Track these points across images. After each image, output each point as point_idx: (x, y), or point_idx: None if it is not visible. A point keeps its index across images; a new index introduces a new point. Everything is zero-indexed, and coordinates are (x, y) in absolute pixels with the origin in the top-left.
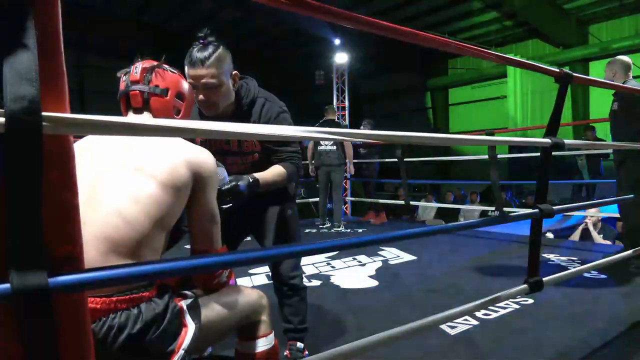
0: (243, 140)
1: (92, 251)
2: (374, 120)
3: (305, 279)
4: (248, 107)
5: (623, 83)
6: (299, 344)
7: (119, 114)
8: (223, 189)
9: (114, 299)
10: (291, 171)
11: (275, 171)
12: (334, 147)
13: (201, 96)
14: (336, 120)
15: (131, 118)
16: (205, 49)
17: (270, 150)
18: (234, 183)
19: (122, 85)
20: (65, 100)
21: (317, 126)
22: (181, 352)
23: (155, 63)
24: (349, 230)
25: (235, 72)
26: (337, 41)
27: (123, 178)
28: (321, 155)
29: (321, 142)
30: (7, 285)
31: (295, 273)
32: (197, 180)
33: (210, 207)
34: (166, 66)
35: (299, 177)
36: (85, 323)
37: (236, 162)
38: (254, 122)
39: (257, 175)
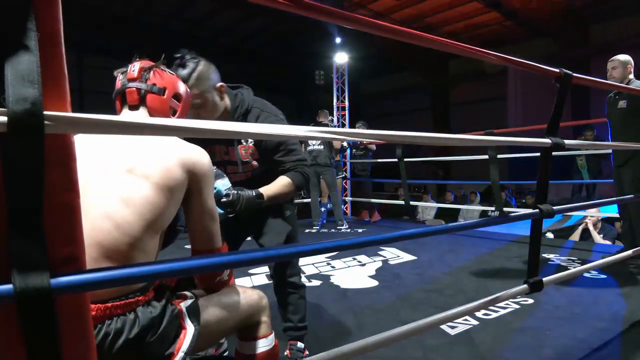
0: (241, 150)
1: None
2: (367, 121)
3: (305, 279)
4: (242, 118)
5: (628, 82)
6: (300, 344)
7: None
8: (223, 200)
9: (109, 304)
10: (298, 180)
11: (281, 182)
12: (322, 147)
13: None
14: (325, 122)
15: (127, 115)
16: (184, 68)
17: (272, 160)
18: (235, 194)
19: (118, 84)
20: (67, 101)
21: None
22: (181, 354)
23: (152, 63)
24: (349, 230)
25: (221, 84)
26: (337, 40)
27: (114, 180)
28: (310, 155)
29: (309, 142)
30: (9, 286)
31: (292, 271)
32: (192, 179)
33: (208, 205)
34: (164, 67)
35: (307, 183)
36: (88, 324)
37: (236, 170)
38: None
39: (262, 189)
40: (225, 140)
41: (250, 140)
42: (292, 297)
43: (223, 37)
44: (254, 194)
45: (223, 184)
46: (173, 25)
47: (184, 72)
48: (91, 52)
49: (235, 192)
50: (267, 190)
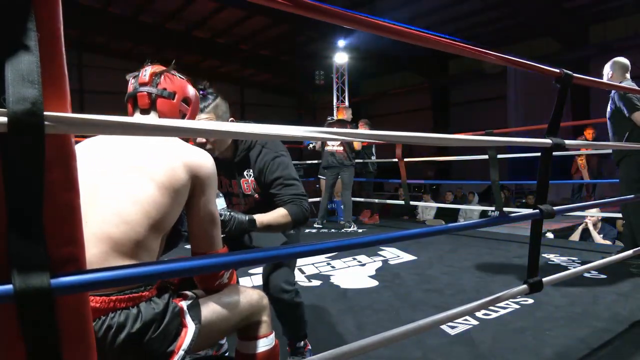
0: (243, 183)
1: (93, 250)
2: (370, 120)
3: (305, 279)
4: (245, 152)
5: (619, 83)
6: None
7: (119, 113)
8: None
9: (113, 298)
10: (295, 212)
11: (277, 213)
12: (340, 148)
13: (200, 139)
14: (346, 119)
15: (137, 118)
16: (205, 99)
17: (271, 194)
18: (228, 215)
19: (130, 88)
20: (67, 101)
21: (326, 125)
22: (181, 352)
23: (164, 68)
24: (349, 230)
25: (232, 118)
26: (341, 42)
27: (123, 179)
28: (327, 156)
29: (327, 143)
30: (9, 286)
31: (287, 287)
32: (196, 182)
33: (210, 208)
34: (175, 72)
35: (306, 219)
36: (87, 323)
37: (241, 202)
38: (251, 168)
39: (256, 216)
40: (229, 174)
41: (251, 175)
42: (286, 315)
43: (223, 37)
44: (247, 219)
45: (219, 204)
46: (173, 25)
47: (204, 102)
48: (91, 52)
49: (229, 213)
50: (261, 217)
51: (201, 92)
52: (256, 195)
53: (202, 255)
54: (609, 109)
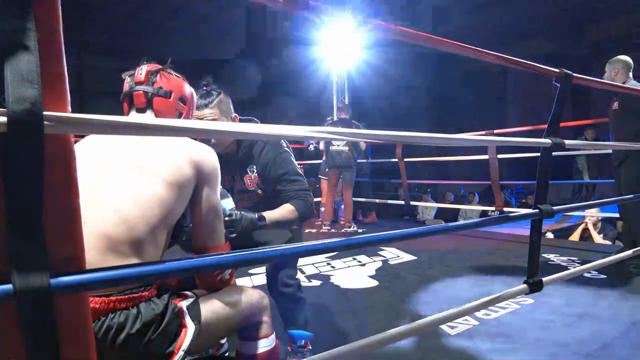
0: (246, 179)
1: (92, 250)
2: (367, 121)
3: (305, 279)
4: (248, 149)
5: (623, 83)
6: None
7: (119, 113)
8: (226, 219)
9: (113, 298)
10: (302, 207)
11: (285, 209)
12: (346, 148)
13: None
14: (349, 118)
15: (133, 117)
16: (209, 95)
17: (275, 190)
18: (239, 214)
19: (125, 87)
20: (66, 101)
21: (328, 124)
22: (181, 353)
23: (160, 67)
24: (349, 230)
25: (235, 115)
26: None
27: (125, 177)
28: (333, 156)
29: (333, 143)
30: (9, 286)
31: (289, 281)
32: (200, 177)
33: (214, 202)
34: (171, 70)
35: (312, 213)
36: (87, 323)
37: (244, 198)
38: (255, 164)
39: (265, 213)
40: (231, 171)
41: (254, 171)
42: (288, 309)
43: (224, 36)
44: (257, 217)
45: (227, 204)
46: (174, 25)
47: (208, 98)
48: (91, 52)
49: (238, 212)
50: (270, 214)
51: (204, 88)
52: (259, 191)
53: (204, 250)
54: (617, 107)
